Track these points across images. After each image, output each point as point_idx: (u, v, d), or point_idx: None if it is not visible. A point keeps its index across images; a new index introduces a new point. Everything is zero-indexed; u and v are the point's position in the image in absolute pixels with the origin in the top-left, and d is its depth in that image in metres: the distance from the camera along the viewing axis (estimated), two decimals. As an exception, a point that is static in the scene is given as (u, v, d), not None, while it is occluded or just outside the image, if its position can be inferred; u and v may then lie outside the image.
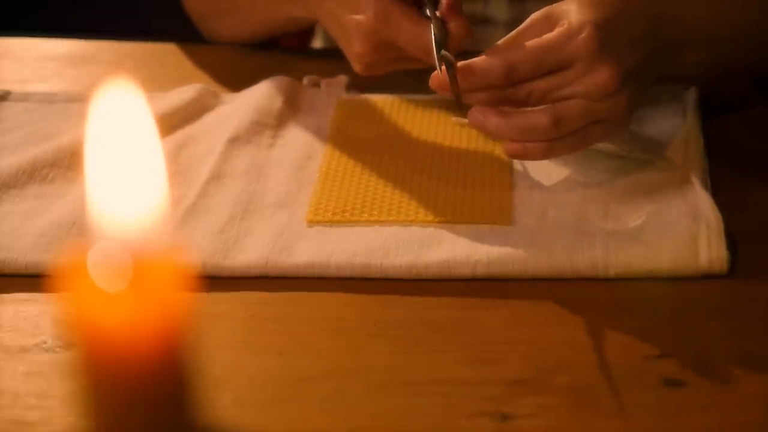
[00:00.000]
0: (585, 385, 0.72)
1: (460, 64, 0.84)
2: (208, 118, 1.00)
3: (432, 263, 0.82)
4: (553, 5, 0.86)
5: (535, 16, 0.86)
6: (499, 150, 0.94)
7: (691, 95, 0.98)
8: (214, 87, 1.04)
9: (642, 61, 0.85)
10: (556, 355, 0.75)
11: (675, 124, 0.95)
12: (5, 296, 0.81)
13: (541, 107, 0.84)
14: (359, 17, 0.89)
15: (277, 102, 1.00)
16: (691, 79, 0.99)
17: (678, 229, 0.83)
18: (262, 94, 1.01)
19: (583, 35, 0.83)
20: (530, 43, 0.83)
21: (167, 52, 1.11)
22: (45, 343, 0.76)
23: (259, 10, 1.08)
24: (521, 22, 0.87)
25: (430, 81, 0.85)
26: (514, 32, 0.86)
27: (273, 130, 0.98)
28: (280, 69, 1.04)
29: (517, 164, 0.93)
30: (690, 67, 0.93)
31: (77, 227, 0.87)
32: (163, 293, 0.53)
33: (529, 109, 0.84)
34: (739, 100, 1.01)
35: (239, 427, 0.69)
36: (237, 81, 1.04)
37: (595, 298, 0.79)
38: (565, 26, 0.83)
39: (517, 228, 0.85)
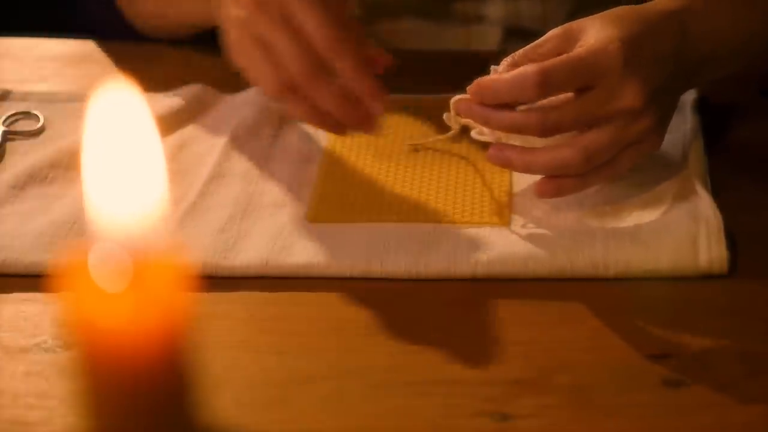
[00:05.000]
0: (585, 385, 0.72)
1: (488, 78, 0.83)
2: (208, 118, 1.01)
3: (432, 263, 0.82)
4: (573, 22, 0.85)
5: (553, 32, 0.84)
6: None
7: (691, 95, 0.98)
8: (214, 87, 1.04)
9: (668, 78, 0.84)
10: (556, 355, 0.75)
11: (675, 124, 0.95)
12: (5, 296, 0.81)
13: (569, 141, 0.82)
14: None
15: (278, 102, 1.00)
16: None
17: (678, 229, 0.83)
18: (262, 94, 1.01)
19: (609, 52, 0.81)
20: (563, 56, 0.81)
21: (167, 52, 1.11)
22: (45, 343, 0.76)
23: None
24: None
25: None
26: (529, 46, 0.84)
27: (273, 130, 0.98)
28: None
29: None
30: (711, 81, 0.92)
31: (77, 227, 0.87)
32: (163, 293, 0.53)
33: (553, 143, 0.83)
34: (739, 100, 1.01)
35: (239, 427, 0.69)
36: (237, 81, 1.04)
37: (595, 298, 0.79)
38: (592, 42, 0.82)
39: (517, 228, 0.85)
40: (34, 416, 0.71)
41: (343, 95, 0.83)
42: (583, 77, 0.81)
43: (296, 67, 0.82)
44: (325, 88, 0.83)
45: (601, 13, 0.84)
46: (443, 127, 0.94)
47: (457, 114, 0.88)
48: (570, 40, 0.84)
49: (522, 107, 0.83)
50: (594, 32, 0.83)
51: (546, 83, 0.80)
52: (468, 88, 0.83)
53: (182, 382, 0.56)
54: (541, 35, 0.85)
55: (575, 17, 0.86)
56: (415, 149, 0.95)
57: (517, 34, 1.12)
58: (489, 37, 0.87)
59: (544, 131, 0.82)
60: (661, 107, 0.84)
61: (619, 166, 0.85)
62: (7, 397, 0.72)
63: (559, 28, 0.85)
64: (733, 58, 0.90)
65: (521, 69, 0.81)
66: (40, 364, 0.75)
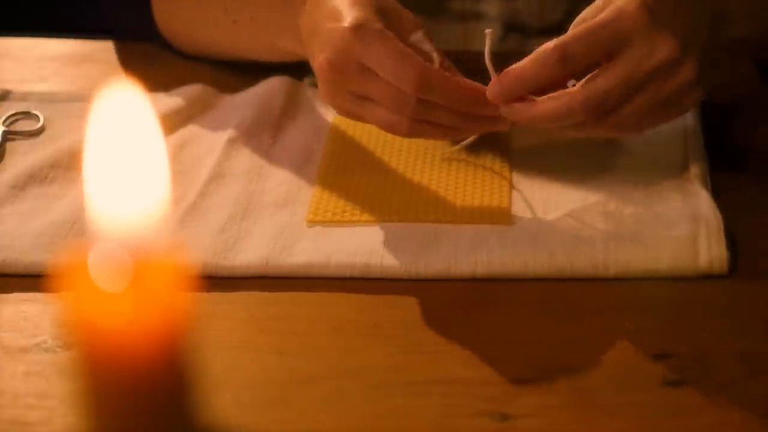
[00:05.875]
0: (585, 385, 0.72)
1: (511, 67, 0.81)
2: (208, 118, 1.00)
3: (432, 263, 0.82)
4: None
5: (587, 10, 0.83)
6: (499, 150, 0.94)
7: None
8: (214, 87, 1.04)
9: (698, 27, 0.83)
10: (556, 355, 0.75)
11: (675, 124, 0.95)
12: (5, 296, 0.81)
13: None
14: (335, 24, 0.82)
15: (277, 102, 1.00)
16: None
17: (678, 229, 0.83)
18: (262, 94, 1.01)
19: (630, 12, 0.80)
20: (581, 26, 0.80)
21: (167, 52, 1.11)
22: (45, 343, 0.76)
23: (242, 41, 1.04)
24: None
25: (488, 92, 0.82)
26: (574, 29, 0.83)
27: (273, 130, 0.98)
28: (280, 69, 1.04)
29: (517, 164, 0.93)
30: (738, 44, 0.91)
31: (77, 227, 0.87)
32: (163, 293, 0.53)
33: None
34: (739, 99, 1.01)
35: (239, 427, 0.69)
36: (237, 81, 1.04)
37: (595, 298, 0.79)
38: (612, 8, 0.81)
39: (517, 228, 0.85)
40: (34, 416, 0.71)
41: (457, 110, 0.82)
42: (605, 43, 0.80)
43: (401, 108, 0.82)
44: (438, 111, 0.82)
45: None
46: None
47: None
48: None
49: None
50: None
51: (566, 56, 0.79)
52: (496, 83, 0.81)
53: (182, 382, 0.56)
54: (540, 30, 0.84)
55: (573, 12, 0.86)
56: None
57: (516, 30, 1.12)
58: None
59: (590, 109, 0.80)
60: (698, 57, 0.82)
61: (662, 121, 0.84)
62: (7, 397, 0.72)
63: (592, 5, 0.83)
64: (754, 17, 0.89)
65: (540, 48, 0.80)
66: (40, 364, 0.75)
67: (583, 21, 0.83)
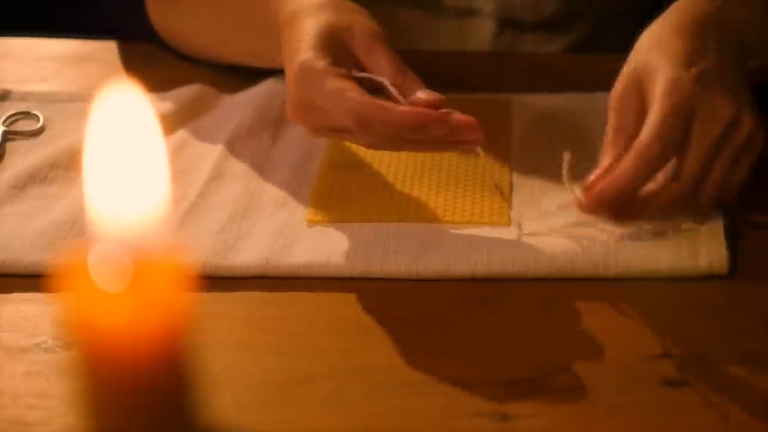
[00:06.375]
0: (585, 385, 0.72)
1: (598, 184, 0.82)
2: (208, 118, 1.00)
3: (432, 263, 0.82)
4: (615, 87, 0.85)
5: (613, 113, 0.84)
6: (499, 150, 0.94)
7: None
8: (214, 87, 1.04)
9: (739, 76, 0.85)
10: (556, 355, 0.75)
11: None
12: (5, 296, 0.81)
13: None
14: (289, 65, 0.83)
15: (277, 102, 1.00)
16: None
17: (678, 229, 0.83)
18: (262, 94, 1.01)
19: (686, 87, 0.81)
20: (652, 123, 0.81)
21: (167, 52, 1.11)
22: (45, 343, 0.76)
23: (234, 55, 1.05)
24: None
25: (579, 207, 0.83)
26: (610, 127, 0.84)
27: (273, 130, 0.98)
28: (280, 69, 1.04)
29: (517, 164, 0.93)
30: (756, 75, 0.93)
31: (77, 227, 0.87)
32: (163, 293, 0.53)
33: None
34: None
35: (239, 427, 0.69)
36: (237, 81, 1.04)
37: (595, 298, 0.79)
38: (663, 88, 0.82)
39: (516, 228, 0.85)
40: (34, 416, 0.71)
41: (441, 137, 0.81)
42: (680, 131, 0.81)
43: (365, 135, 0.82)
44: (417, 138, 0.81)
45: (641, 47, 0.85)
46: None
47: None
48: (637, 94, 0.84)
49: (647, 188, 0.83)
50: (657, 76, 0.82)
51: (659, 154, 0.81)
52: (594, 200, 0.82)
53: (182, 382, 0.56)
54: (535, 25, 0.84)
55: (568, 6, 0.85)
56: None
57: (511, 25, 1.12)
58: (483, 30, 0.86)
59: (689, 191, 0.82)
60: (750, 104, 0.84)
61: (740, 176, 0.84)
62: (7, 397, 0.72)
63: (611, 103, 0.85)
64: (762, 46, 0.90)
65: (625, 156, 0.81)
66: (40, 364, 0.75)
67: (615, 93, 0.84)
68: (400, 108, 0.79)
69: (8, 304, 0.80)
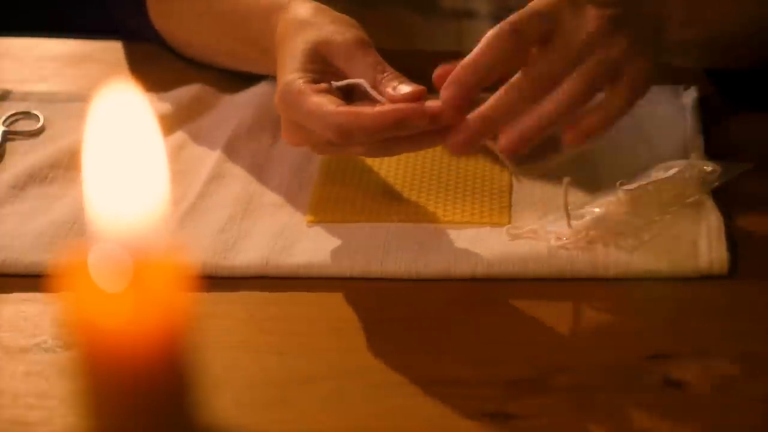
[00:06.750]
0: (585, 385, 0.72)
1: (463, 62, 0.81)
2: (208, 118, 1.00)
3: (432, 263, 0.82)
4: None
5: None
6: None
7: (691, 95, 0.98)
8: (214, 87, 1.04)
9: (638, 15, 0.83)
10: (556, 355, 0.75)
11: (675, 124, 0.95)
12: (5, 296, 0.81)
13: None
14: (275, 95, 0.84)
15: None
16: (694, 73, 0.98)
17: (678, 229, 0.83)
18: (262, 94, 1.01)
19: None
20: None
21: (167, 52, 1.10)
22: (45, 343, 0.76)
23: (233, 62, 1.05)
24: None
25: (442, 93, 0.81)
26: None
27: (273, 130, 0.98)
28: (280, 69, 1.04)
29: (517, 164, 0.93)
30: (686, 48, 0.92)
31: (77, 227, 0.87)
32: (163, 293, 0.53)
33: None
34: (739, 100, 1.00)
35: (239, 427, 0.69)
36: (237, 81, 1.04)
37: (595, 298, 0.79)
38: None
39: (516, 228, 0.85)
40: (34, 416, 0.71)
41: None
42: (546, 20, 0.81)
43: (349, 146, 0.82)
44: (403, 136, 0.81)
45: None
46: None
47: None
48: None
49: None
50: None
51: (516, 30, 0.80)
52: (448, 85, 0.81)
53: (182, 382, 0.56)
54: None
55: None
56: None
57: None
58: (481, 32, 0.86)
59: (536, 90, 0.80)
60: (633, 26, 0.82)
61: (613, 107, 0.82)
62: (7, 397, 0.72)
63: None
64: (693, 15, 0.90)
65: (484, 38, 0.81)
66: (40, 364, 0.75)
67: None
68: (375, 109, 0.79)
69: (8, 304, 0.80)
